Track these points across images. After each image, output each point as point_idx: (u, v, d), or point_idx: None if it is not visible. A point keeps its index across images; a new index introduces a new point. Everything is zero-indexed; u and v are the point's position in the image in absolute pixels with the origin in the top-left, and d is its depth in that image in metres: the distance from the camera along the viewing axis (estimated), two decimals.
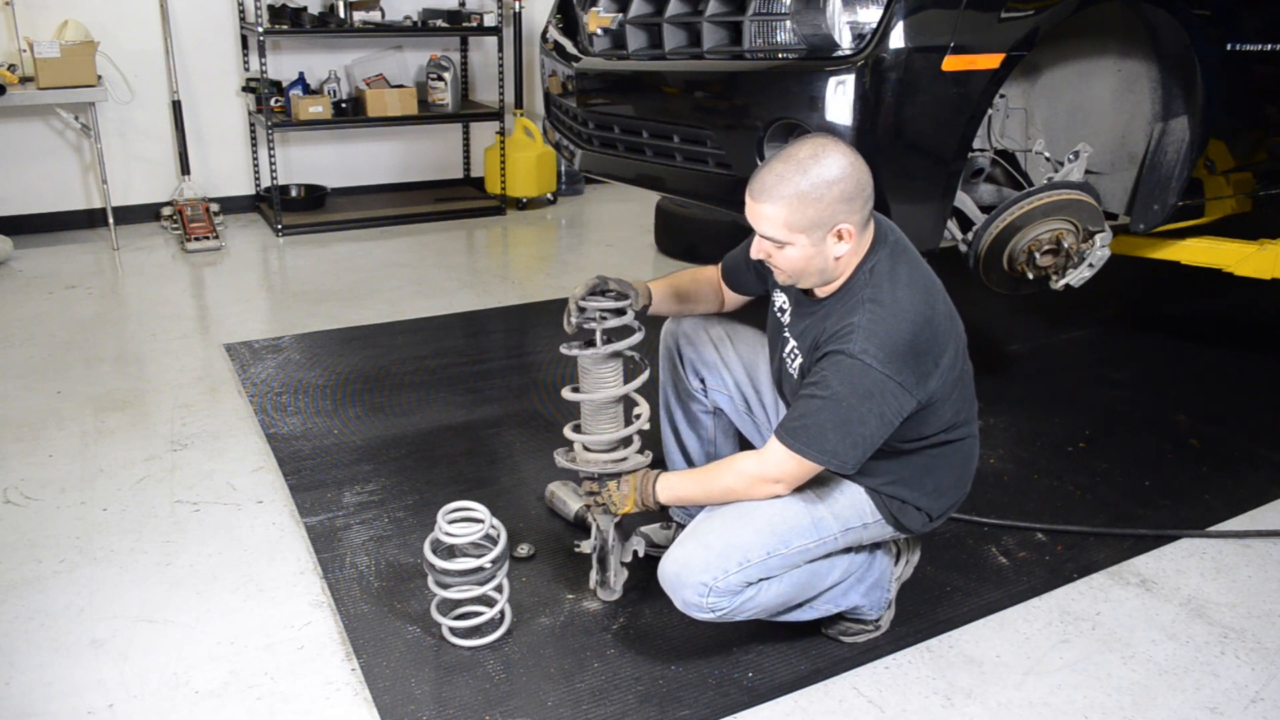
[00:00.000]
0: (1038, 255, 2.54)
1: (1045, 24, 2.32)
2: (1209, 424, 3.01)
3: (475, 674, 1.90)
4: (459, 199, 5.57)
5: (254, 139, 5.21)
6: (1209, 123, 2.64)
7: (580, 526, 2.35)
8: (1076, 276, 2.60)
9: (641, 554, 2.10)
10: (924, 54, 2.22)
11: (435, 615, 1.98)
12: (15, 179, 4.75)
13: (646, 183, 2.88)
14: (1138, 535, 2.41)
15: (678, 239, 4.71)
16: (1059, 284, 2.62)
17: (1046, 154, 2.72)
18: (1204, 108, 2.60)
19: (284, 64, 5.12)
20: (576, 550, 2.15)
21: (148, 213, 5.06)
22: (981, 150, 2.70)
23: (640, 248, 4.83)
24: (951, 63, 2.24)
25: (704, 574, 1.72)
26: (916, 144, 2.32)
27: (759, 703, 1.84)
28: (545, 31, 3.49)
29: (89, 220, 4.94)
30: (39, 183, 4.81)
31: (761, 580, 1.76)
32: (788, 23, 2.34)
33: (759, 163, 2.42)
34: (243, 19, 4.99)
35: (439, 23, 5.16)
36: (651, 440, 2.21)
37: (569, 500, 2.40)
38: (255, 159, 5.25)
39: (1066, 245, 2.54)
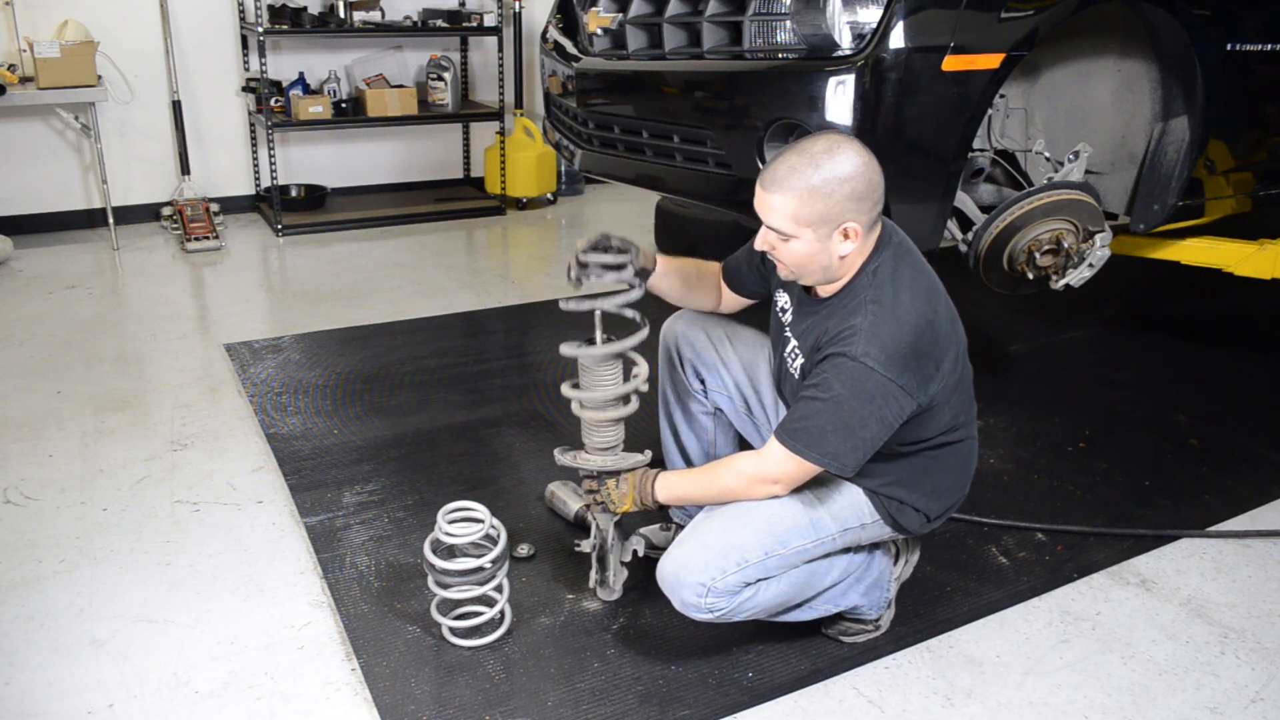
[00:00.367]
0: (1038, 255, 2.54)
1: (1045, 24, 2.32)
2: (1209, 424, 3.01)
3: (475, 674, 1.90)
4: (459, 199, 5.57)
5: (254, 139, 5.21)
6: (1209, 123, 2.64)
7: (580, 526, 2.35)
8: (1076, 276, 2.61)
9: (641, 554, 2.10)
10: (924, 54, 2.22)
11: (435, 615, 1.98)
12: (15, 179, 4.75)
13: (646, 183, 2.88)
14: (1138, 535, 2.41)
15: (678, 239, 4.70)
16: (1059, 284, 2.62)
17: (1046, 154, 2.72)
18: (1204, 108, 2.60)
19: (284, 64, 5.12)
20: (576, 550, 2.15)
21: (148, 213, 5.06)
22: (981, 150, 2.70)
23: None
24: (951, 63, 2.24)
25: (702, 574, 1.72)
26: (916, 144, 2.32)
27: (759, 703, 1.84)
28: (545, 31, 3.49)
29: (89, 220, 4.94)
30: (39, 183, 4.81)
31: (760, 580, 1.76)
32: (788, 23, 2.35)
33: (759, 163, 2.42)
34: (243, 19, 4.99)
35: (439, 23, 5.16)
36: (651, 440, 2.21)
37: (569, 500, 2.40)
38: (255, 159, 5.25)
39: (1066, 245, 2.54)
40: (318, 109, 4.94)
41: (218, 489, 2.55)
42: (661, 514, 2.24)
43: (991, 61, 2.28)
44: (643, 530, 2.23)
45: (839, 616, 1.98)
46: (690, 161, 2.64)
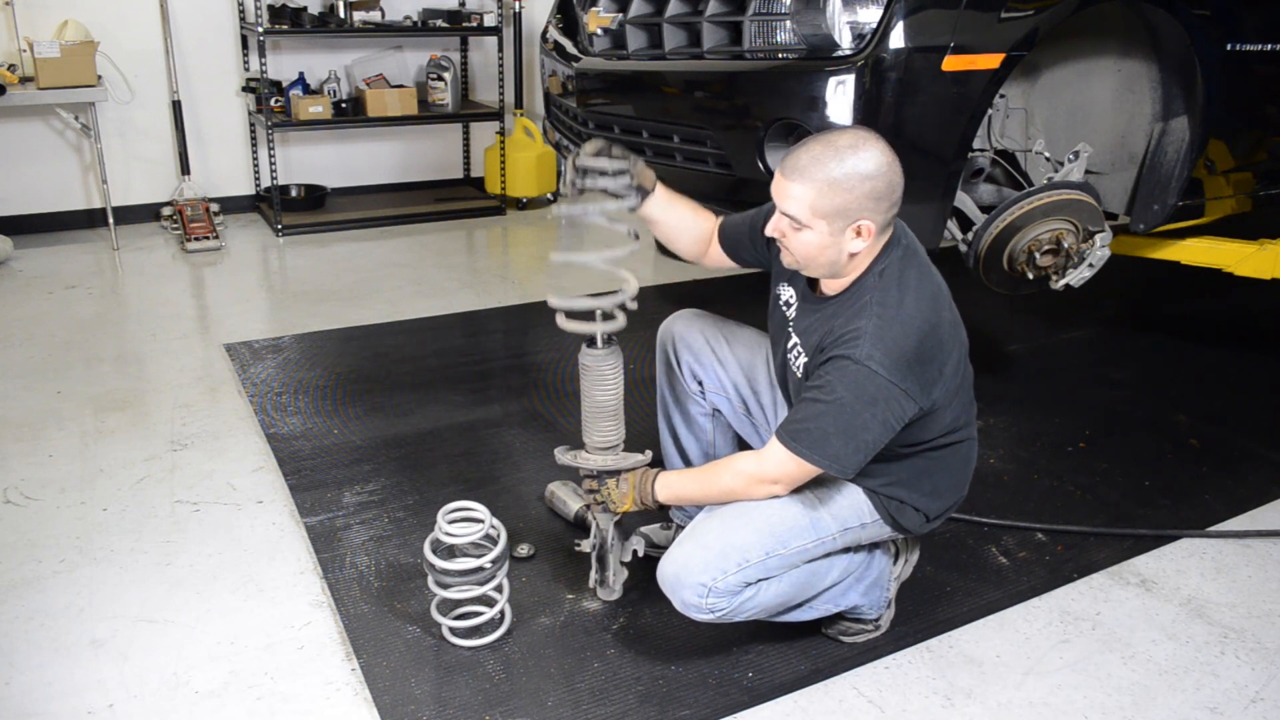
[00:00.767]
0: (1038, 255, 2.54)
1: (1045, 24, 2.32)
2: (1209, 424, 3.01)
3: (475, 674, 1.90)
4: (459, 199, 5.56)
5: (254, 139, 5.21)
6: (1209, 123, 2.64)
7: (580, 526, 2.35)
8: (1076, 276, 2.61)
9: (641, 554, 2.10)
10: (924, 54, 2.22)
11: (435, 615, 1.98)
12: (15, 179, 4.75)
13: None
14: (1138, 535, 2.41)
15: None
16: (1059, 284, 2.62)
17: (1046, 154, 2.72)
18: (1204, 108, 2.60)
19: (284, 64, 5.12)
20: (576, 550, 2.15)
21: (148, 213, 5.05)
22: (981, 150, 2.70)
23: (640, 248, 4.83)
24: (951, 63, 2.24)
25: (703, 575, 1.72)
26: (916, 144, 2.32)
27: (759, 703, 1.84)
28: (545, 31, 3.49)
29: (89, 220, 4.94)
30: (39, 183, 4.81)
31: (760, 581, 1.76)
32: (788, 23, 2.35)
33: (759, 162, 2.42)
34: (243, 19, 4.99)
35: (439, 23, 5.16)
36: (651, 440, 2.21)
37: (569, 500, 2.40)
38: (255, 159, 5.25)
39: (1066, 245, 2.54)
40: (318, 109, 4.94)
41: (218, 489, 2.55)
42: (662, 514, 2.24)
43: (991, 61, 2.28)
44: (643, 529, 2.23)
45: (839, 616, 1.98)
46: (690, 161, 2.64)
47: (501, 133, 5.49)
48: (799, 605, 1.88)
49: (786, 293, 1.93)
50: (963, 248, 2.62)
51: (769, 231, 1.76)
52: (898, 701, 1.87)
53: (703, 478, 1.86)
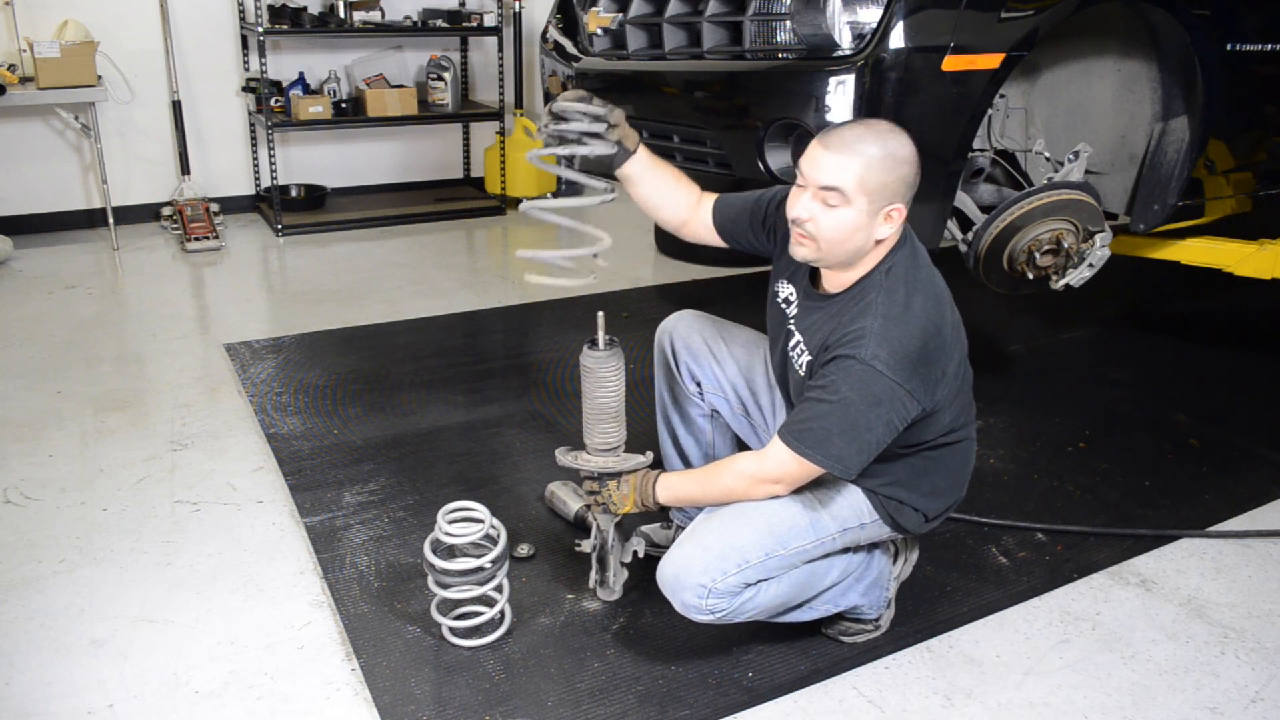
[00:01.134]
0: (1038, 255, 2.54)
1: (1045, 24, 2.32)
2: (1209, 424, 3.01)
3: (475, 674, 1.90)
4: (459, 199, 5.57)
5: (254, 139, 5.21)
6: (1209, 123, 2.64)
7: (580, 526, 2.35)
8: (1076, 276, 2.61)
9: (641, 554, 2.10)
10: (924, 54, 2.22)
11: (435, 615, 1.98)
12: (15, 179, 4.75)
13: None
14: (1138, 535, 2.41)
15: (677, 239, 4.68)
16: (1059, 284, 2.62)
17: (1046, 154, 2.72)
18: (1204, 108, 2.60)
19: (284, 64, 5.12)
20: (576, 550, 2.15)
21: (148, 213, 5.06)
22: (981, 150, 2.70)
23: (640, 248, 4.83)
24: (951, 63, 2.24)
25: (703, 576, 1.72)
26: (916, 144, 2.31)
27: (759, 703, 1.84)
28: (545, 31, 3.49)
29: (89, 220, 4.94)
30: (39, 183, 4.81)
31: (760, 581, 1.76)
32: (788, 23, 2.35)
33: (759, 162, 2.42)
34: (243, 19, 4.99)
35: (439, 23, 5.16)
36: (650, 442, 2.21)
37: (569, 500, 2.40)
38: (255, 159, 5.25)
39: (1066, 245, 2.54)
40: (318, 109, 4.94)
41: (218, 489, 2.55)
42: (662, 515, 2.24)
43: (991, 61, 2.28)
44: (643, 529, 2.23)
45: (839, 616, 1.98)
46: (690, 161, 2.64)
47: (501, 133, 5.49)
48: (799, 606, 1.87)
49: (786, 290, 1.91)
50: (963, 248, 2.62)
51: (797, 213, 1.70)
52: (898, 701, 1.87)
53: (703, 478, 1.85)
